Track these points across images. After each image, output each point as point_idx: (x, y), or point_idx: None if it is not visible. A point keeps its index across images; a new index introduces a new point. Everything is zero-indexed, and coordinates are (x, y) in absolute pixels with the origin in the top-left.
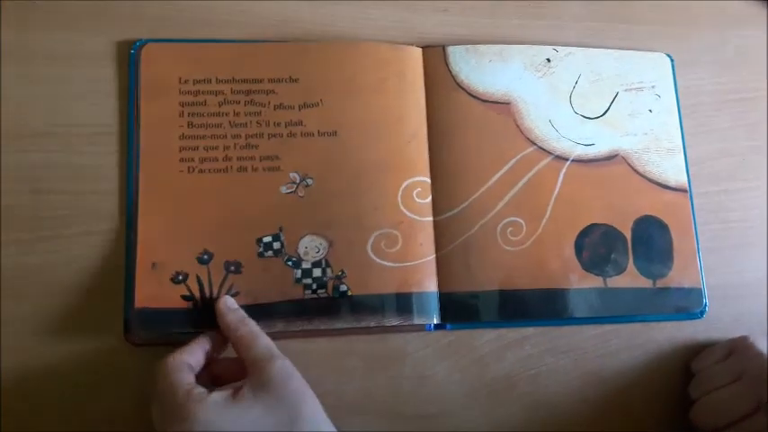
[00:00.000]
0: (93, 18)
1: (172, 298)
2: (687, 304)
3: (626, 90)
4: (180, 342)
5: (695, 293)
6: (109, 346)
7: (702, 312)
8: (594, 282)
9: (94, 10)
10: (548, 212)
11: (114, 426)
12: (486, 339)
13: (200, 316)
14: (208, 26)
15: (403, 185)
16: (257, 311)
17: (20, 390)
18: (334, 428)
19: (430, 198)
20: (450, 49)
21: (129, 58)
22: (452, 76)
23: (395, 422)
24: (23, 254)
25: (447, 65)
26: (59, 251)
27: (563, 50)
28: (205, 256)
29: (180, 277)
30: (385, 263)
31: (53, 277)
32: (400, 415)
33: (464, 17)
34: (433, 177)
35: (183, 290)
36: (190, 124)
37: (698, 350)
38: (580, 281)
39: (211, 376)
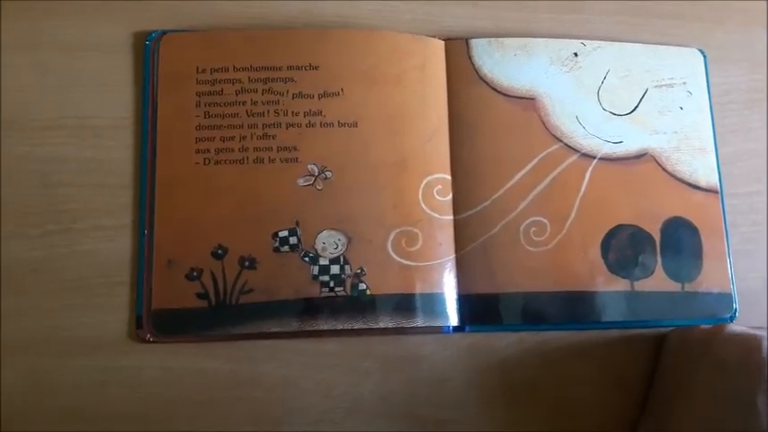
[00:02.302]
0: (105, 8)
1: (187, 297)
2: (716, 309)
3: (656, 86)
4: (194, 340)
5: (725, 298)
6: (119, 342)
7: (732, 318)
8: (621, 285)
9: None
10: (573, 212)
11: (126, 424)
12: (507, 343)
13: (216, 316)
14: (224, 17)
15: (424, 182)
16: (272, 309)
17: (25, 386)
18: None
19: (450, 196)
20: (474, 42)
21: (144, 48)
22: (475, 70)
23: (412, 426)
24: (32, 248)
25: (470, 58)
26: (68, 246)
27: (591, 44)
28: (219, 251)
29: (195, 274)
30: (405, 261)
31: (62, 272)
32: (417, 419)
33: (489, 9)
34: (453, 174)
35: (197, 287)
36: (206, 114)
37: None
38: (606, 284)
39: None
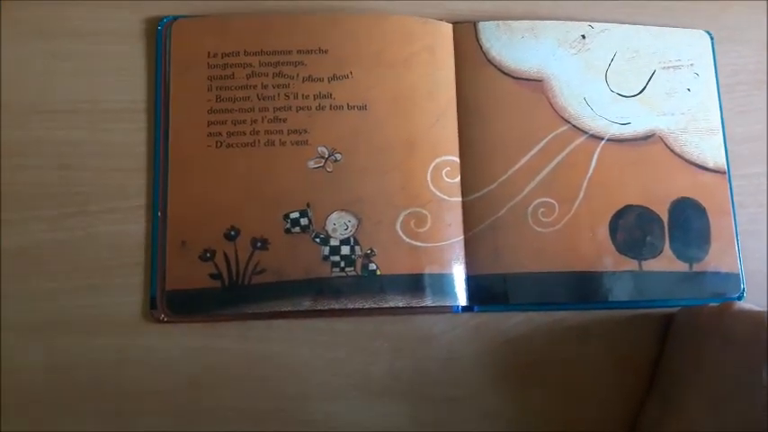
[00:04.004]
0: None
1: (200, 277)
2: (724, 289)
3: (663, 68)
4: (208, 320)
5: (733, 278)
6: (134, 322)
7: (740, 298)
8: (629, 265)
9: None
10: (581, 193)
11: (142, 402)
12: (516, 322)
13: (229, 296)
14: (234, 3)
15: (432, 164)
16: (283, 289)
17: (43, 365)
18: None
19: (459, 178)
20: (481, 25)
21: (156, 34)
22: (483, 53)
23: (421, 404)
24: (49, 230)
25: (478, 41)
26: (85, 228)
27: (598, 27)
28: (232, 233)
29: (208, 255)
30: (414, 242)
31: (78, 254)
32: (427, 397)
33: None
34: (462, 156)
35: (210, 268)
36: (218, 98)
37: None
38: (614, 264)
39: None
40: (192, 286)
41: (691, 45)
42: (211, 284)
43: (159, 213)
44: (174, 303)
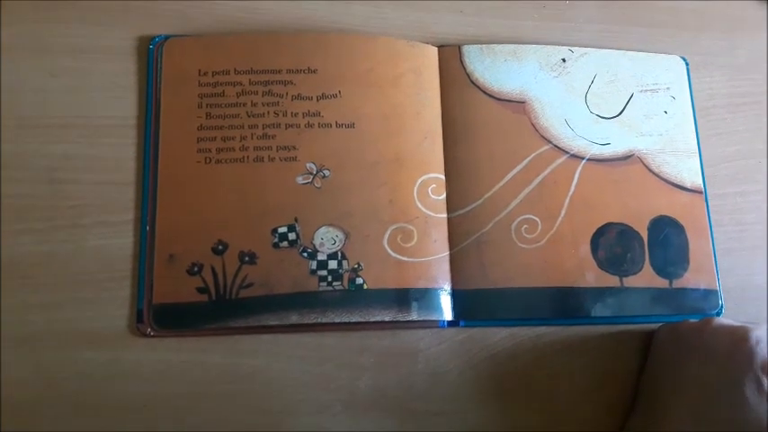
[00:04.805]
0: (111, 13)
1: (187, 291)
2: (703, 305)
3: (641, 91)
4: (194, 334)
5: (711, 295)
6: (120, 336)
7: (719, 314)
8: (610, 281)
9: (113, 6)
10: (563, 211)
11: (128, 416)
12: (500, 337)
13: (216, 310)
14: (225, 23)
15: (418, 181)
16: (271, 303)
17: (29, 378)
18: None
19: (444, 195)
20: (465, 48)
21: (148, 52)
22: (467, 75)
23: (407, 419)
24: (38, 242)
25: (462, 63)
26: (74, 241)
27: (578, 51)
28: (220, 247)
29: (195, 268)
30: (401, 257)
31: (67, 267)
32: (412, 412)
33: (479, 18)
34: (447, 174)
35: (198, 281)
36: (208, 115)
37: None
38: (596, 280)
39: None
40: (179, 300)
41: (667, 70)
42: (198, 298)
43: (147, 227)
44: (160, 317)
